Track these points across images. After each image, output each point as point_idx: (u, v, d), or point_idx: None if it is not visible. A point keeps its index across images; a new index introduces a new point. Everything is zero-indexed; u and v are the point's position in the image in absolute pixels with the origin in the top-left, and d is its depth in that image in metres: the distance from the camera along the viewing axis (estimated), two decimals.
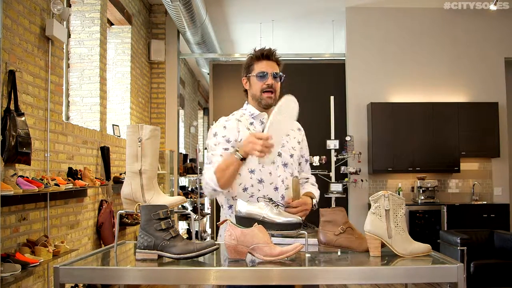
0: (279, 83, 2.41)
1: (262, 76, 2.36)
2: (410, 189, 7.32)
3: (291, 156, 2.38)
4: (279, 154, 2.34)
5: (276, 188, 2.31)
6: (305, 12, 7.64)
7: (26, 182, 3.30)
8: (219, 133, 2.35)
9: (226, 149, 2.29)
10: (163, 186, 7.01)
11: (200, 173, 8.10)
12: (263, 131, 2.21)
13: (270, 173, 2.32)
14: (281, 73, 2.40)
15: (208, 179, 2.21)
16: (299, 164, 2.52)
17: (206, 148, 2.42)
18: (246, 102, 2.48)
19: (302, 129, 2.57)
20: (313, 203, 2.35)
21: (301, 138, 2.52)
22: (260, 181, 2.30)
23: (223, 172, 2.17)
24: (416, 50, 7.47)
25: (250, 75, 2.40)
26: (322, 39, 8.87)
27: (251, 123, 2.40)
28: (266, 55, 2.38)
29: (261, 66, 2.37)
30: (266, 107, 2.39)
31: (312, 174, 2.63)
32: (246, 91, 2.48)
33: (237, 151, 2.14)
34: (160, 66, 7.42)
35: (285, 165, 2.36)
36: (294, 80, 7.40)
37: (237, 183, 2.28)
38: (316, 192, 2.49)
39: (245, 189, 2.28)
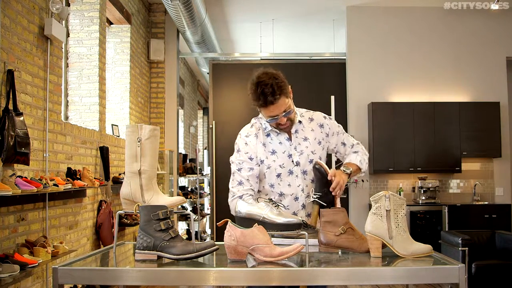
0: (292, 110, 2.32)
1: (273, 118, 2.29)
2: (411, 190, 7.30)
3: (311, 161, 2.35)
4: (297, 164, 2.34)
5: (296, 198, 2.35)
6: (305, 11, 7.63)
7: (25, 183, 3.28)
8: (242, 149, 2.36)
9: (251, 168, 2.31)
10: (163, 186, 6.99)
11: (200, 173, 8.09)
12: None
13: (289, 185, 2.34)
14: (291, 107, 2.29)
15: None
16: (336, 153, 2.51)
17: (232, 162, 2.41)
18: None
19: (325, 121, 2.46)
20: (344, 171, 2.33)
21: (326, 133, 2.44)
22: (281, 195, 2.34)
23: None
24: (417, 49, 7.45)
25: (260, 113, 2.36)
26: (323, 38, 8.86)
27: (268, 135, 2.38)
28: (269, 102, 2.22)
29: (269, 112, 2.27)
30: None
31: None
32: None
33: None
34: (159, 66, 7.41)
35: (304, 172, 2.36)
36: (295, 80, 7.34)
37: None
38: (356, 158, 2.43)
39: None
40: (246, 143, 2.35)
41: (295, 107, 2.40)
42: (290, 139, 2.37)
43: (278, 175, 2.33)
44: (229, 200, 2.33)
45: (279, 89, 2.21)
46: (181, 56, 7.99)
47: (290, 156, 2.34)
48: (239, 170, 2.31)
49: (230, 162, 2.38)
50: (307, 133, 2.40)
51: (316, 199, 2.21)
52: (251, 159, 2.32)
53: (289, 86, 2.29)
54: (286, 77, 2.33)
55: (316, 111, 2.54)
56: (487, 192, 7.32)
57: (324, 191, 2.22)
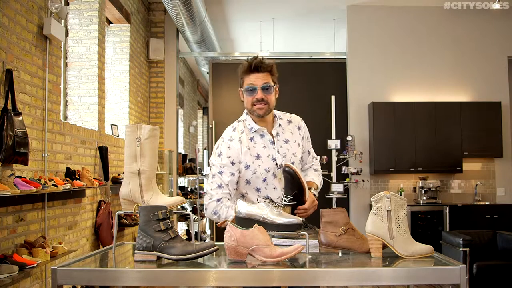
0: (272, 93, 2.34)
1: (251, 90, 2.31)
2: (412, 190, 7.29)
3: (293, 163, 2.36)
4: (280, 166, 2.34)
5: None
6: (305, 10, 7.62)
7: (24, 183, 3.27)
8: (224, 153, 2.31)
9: (232, 173, 2.29)
10: (162, 186, 6.97)
11: (200, 173, 8.08)
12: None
13: (274, 188, 2.34)
14: (272, 84, 2.33)
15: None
16: (301, 158, 2.52)
17: (210, 165, 2.38)
18: (246, 112, 2.43)
19: (302, 124, 2.53)
20: (314, 194, 2.37)
21: (302, 136, 2.50)
22: (267, 198, 2.31)
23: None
24: (418, 49, 7.44)
25: (241, 88, 2.36)
26: (323, 38, 8.85)
27: (251, 139, 2.36)
28: (254, 67, 2.29)
29: (250, 80, 2.30)
30: (260, 117, 2.36)
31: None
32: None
33: None
34: (159, 65, 7.40)
35: None
36: (295, 79, 7.38)
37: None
38: (318, 179, 2.49)
39: None
40: (229, 147, 2.31)
41: (274, 110, 2.44)
42: (273, 142, 2.37)
43: (264, 180, 2.33)
44: (206, 201, 2.30)
45: (269, 66, 2.31)
46: (180, 56, 7.98)
47: (274, 159, 2.34)
48: (220, 173, 2.28)
49: (210, 165, 2.35)
50: (287, 136, 2.43)
51: (288, 203, 2.23)
52: (232, 163, 2.29)
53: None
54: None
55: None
56: (488, 192, 7.31)
57: (295, 193, 2.23)
